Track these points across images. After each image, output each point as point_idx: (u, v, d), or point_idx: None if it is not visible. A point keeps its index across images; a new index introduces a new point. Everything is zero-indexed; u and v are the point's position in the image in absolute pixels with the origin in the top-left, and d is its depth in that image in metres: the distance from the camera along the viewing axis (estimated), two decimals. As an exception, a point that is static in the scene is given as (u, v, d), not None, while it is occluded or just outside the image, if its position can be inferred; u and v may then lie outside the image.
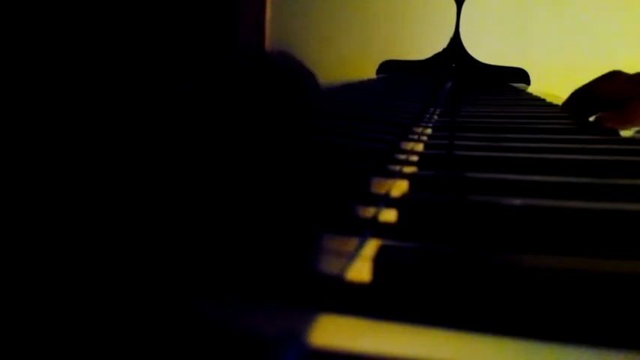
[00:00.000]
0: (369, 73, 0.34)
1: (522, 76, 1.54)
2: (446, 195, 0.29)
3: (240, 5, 0.13)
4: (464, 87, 1.31)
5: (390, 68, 0.43)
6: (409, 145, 0.44)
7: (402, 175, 0.35)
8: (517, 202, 0.27)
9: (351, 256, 0.22)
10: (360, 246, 0.23)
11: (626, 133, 0.59)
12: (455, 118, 0.67)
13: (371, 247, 0.23)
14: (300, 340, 0.16)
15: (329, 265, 0.20)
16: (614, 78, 0.63)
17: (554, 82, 1.47)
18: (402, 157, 0.40)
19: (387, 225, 0.27)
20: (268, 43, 0.14)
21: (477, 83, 1.47)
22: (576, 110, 0.68)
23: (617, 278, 0.19)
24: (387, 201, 0.30)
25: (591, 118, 0.65)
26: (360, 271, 0.21)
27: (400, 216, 0.28)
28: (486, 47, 1.56)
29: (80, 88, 0.09)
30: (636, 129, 0.61)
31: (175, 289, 0.11)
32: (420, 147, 0.46)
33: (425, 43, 0.81)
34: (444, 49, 1.36)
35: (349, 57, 0.27)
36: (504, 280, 0.20)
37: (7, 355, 0.08)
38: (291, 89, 0.17)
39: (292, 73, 0.17)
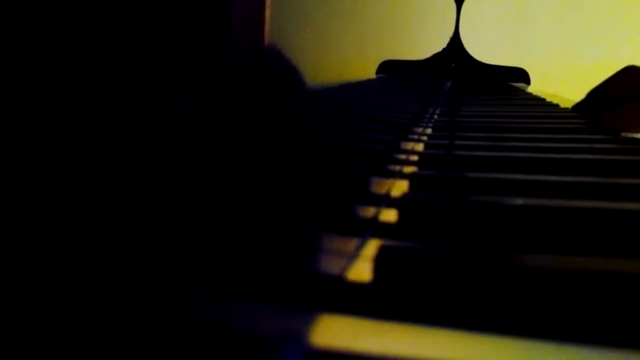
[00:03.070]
0: (369, 73, 0.34)
1: (522, 76, 1.54)
2: (446, 195, 0.29)
3: (239, 6, 0.13)
4: (464, 87, 1.31)
5: (390, 68, 0.43)
6: (409, 145, 0.44)
7: (402, 175, 0.35)
8: (517, 201, 0.27)
9: (352, 256, 0.22)
10: (361, 246, 0.23)
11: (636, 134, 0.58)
12: (455, 117, 0.67)
13: (371, 246, 0.23)
14: (301, 340, 0.16)
15: (330, 265, 0.20)
16: (626, 73, 0.61)
17: (554, 82, 1.47)
18: (402, 157, 0.40)
19: (387, 225, 0.27)
20: (267, 43, 0.14)
21: (476, 83, 1.47)
22: (588, 110, 0.66)
23: (619, 277, 0.19)
24: (387, 201, 0.30)
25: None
26: (361, 271, 0.21)
27: (400, 216, 0.28)
28: (486, 47, 1.55)
29: (77, 87, 0.09)
30: None
31: (177, 289, 0.11)
32: (420, 147, 0.46)
33: (425, 43, 0.81)
34: (444, 49, 1.36)
35: (349, 57, 0.27)
36: (505, 280, 0.20)
37: (7, 354, 0.08)
38: (280, 88, 0.17)
39: (281, 72, 0.17)
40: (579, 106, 0.70)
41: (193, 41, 0.11)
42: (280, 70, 0.16)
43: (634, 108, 0.57)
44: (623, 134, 0.55)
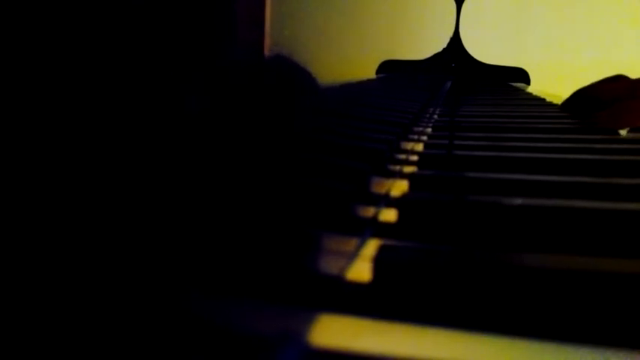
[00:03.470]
0: (369, 73, 0.34)
1: (522, 75, 1.54)
2: (446, 195, 0.29)
3: (240, 5, 0.13)
4: (463, 87, 1.31)
5: (390, 68, 0.43)
6: (409, 145, 0.44)
7: (401, 175, 0.35)
8: (517, 201, 0.27)
9: (352, 256, 0.22)
10: (360, 246, 0.23)
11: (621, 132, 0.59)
12: (454, 117, 0.67)
13: (371, 246, 0.23)
14: (300, 339, 0.16)
15: (329, 265, 0.20)
16: (617, 81, 0.64)
17: (554, 82, 1.47)
18: (402, 156, 0.40)
19: (387, 225, 0.27)
20: (268, 43, 0.14)
21: (476, 83, 1.47)
22: (577, 109, 0.69)
23: (617, 277, 0.19)
24: (387, 201, 0.30)
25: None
26: (361, 270, 0.21)
27: (400, 216, 0.28)
28: (486, 47, 1.56)
29: (78, 88, 0.09)
30: (629, 129, 0.62)
31: (176, 288, 0.11)
32: (419, 147, 0.46)
33: (425, 43, 0.81)
34: (444, 49, 1.36)
35: (349, 57, 0.27)
36: (504, 280, 0.20)
37: (7, 355, 0.08)
38: (288, 89, 0.17)
39: (289, 73, 0.17)
40: (567, 104, 0.73)
41: (198, 41, 0.11)
42: (288, 70, 0.16)
43: (626, 107, 0.59)
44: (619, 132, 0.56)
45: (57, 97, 0.08)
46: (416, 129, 0.51)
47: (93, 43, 0.09)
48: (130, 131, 0.10)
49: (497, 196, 0.28)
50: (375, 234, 0.25)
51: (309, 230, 0.19)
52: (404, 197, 0.30)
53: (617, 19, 1.54)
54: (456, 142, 0.48)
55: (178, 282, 0.11)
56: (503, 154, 0.41)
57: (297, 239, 0.18)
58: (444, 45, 1.38)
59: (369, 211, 0.27)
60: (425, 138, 0.51)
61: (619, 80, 0.65)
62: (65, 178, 0.08)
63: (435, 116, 0.68)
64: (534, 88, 1.30)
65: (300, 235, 0.18)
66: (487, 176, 0.34)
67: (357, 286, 0.20)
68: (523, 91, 1.21)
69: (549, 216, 0.26)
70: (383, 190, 0.31)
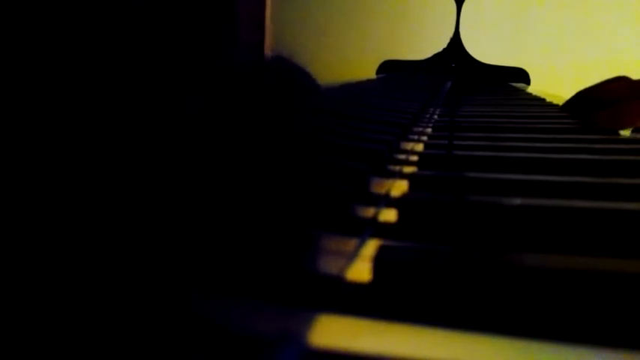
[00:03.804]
0: (369, 73, 0.34)
1: (522, 76, 1.54)
2: (446, 195, 0.29)
3: (241, 6, 0.13)
4: (464, 87, 1.31)
5: (390, 68, 0.43)
6: (409, 145, 0.44)
7: (401, 175, 0.35)
8: (517, 201, 0.27)
9: (351, 256, 0.22)
10: (360, 246, 0.23)
11: (623, 132, 0.60)
12: (454, 117, 0.67)
13: (371, 246, 0.23)
14: (300, 340, 0.16)
15: (329, 265, 0.20)
16: (618, 82, 0.65)
17: (554, 82, 1.47)
18: (402, 157, 0.40)
19: (387, 225, 0.27)
20: (268, 43, 0.14)
21: (476, 83, 1.47)
22: (577, 110, 0.69)
23: (617, 277, 0.19)
24: (387, 201, 0.30)
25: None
26: (360, 271, 0.21)
27: (400, 216, 0.28)
28: (486, 47, 1.56)
29: (79, 89, 0.09)
30: (631, 129, 0.62)
31: (175, 289, 0.11)
32: (419, 147, 0.46)
33: (425, 43, 0.81)
34: (444, 49, 1.36)
35: (349, 57, 0.27)
36: (504, 280, 0.20)
37: (7, 355, 0.08)
38: (289, 89, 0.17)
39: (290, 74, 0.17)
40: (568, 105, 0.73)
41: (199, 42, 0.11)
42: (288, 71, 0.16)
43: (626, 108, 0.59)
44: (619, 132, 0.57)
45: (57, 97, 0.08)
46: (416, 129, 0.51)
47: (94, 44, 0.09)
48: (131, 131, 0.10)
49: (497, 196, 0.28)
50: (375, 234, 0.25)
51: (309, 230, 0.19)
52: (404, 197, 0.30)
53: (617, 19, 1.54)
54: (456, 142, 0.48)
55: (178, 282, 0.11)
56: (503, 154, 0.41)
57: (297, 239, 0.18)
58: (444, 45, 1.38)
59: (369, 211, 0.27)
60: (425, 138, 0.51)
61: (620, 81, 0.65)
62: (66, 179, 0.08)
63: (435, 116, 0.68)
64: (534, 88, 1.30)
65: (300, 236, 0.18)
66: (487, 176, 0.34)
67: (357, 286, 0.20)
68: (523, 91, 1.21)
69: (549, 216, 0.26)
70: (383, 190, 0.31)
